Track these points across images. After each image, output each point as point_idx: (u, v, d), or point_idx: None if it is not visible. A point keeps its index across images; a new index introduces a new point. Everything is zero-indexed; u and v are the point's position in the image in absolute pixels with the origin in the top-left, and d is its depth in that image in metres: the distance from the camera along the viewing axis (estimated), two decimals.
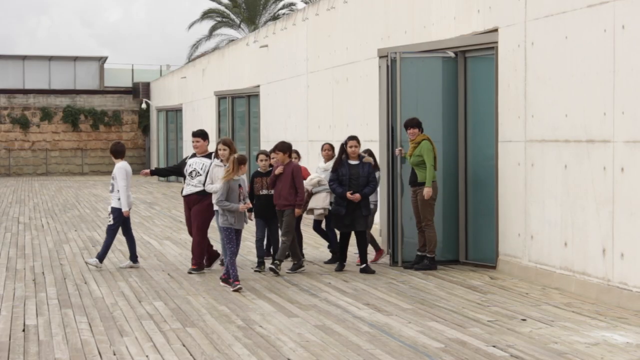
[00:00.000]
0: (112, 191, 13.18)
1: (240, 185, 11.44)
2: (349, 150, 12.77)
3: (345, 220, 12.57)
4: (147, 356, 8.00)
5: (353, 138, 12.88)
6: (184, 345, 8.37)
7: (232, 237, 11.42)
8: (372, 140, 17.00)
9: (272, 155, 12.90)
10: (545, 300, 10.52)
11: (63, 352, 8.16)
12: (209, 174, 12.45)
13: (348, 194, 12.43)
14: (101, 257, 13.22)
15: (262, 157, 13.07)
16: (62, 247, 16.15)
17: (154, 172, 14.10)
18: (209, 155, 12.78)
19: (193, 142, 12.97)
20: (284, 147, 12.79)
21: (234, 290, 11.16)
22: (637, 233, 9.88)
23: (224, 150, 12.29)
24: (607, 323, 9.20)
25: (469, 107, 13.53)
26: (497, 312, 9.81)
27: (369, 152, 13.42)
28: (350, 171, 12.63)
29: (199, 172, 12.65)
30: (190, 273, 12.67)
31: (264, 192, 12.84)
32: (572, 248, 11.06)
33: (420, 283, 11.79)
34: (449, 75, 13.64)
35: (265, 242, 13.19)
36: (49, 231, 18.88)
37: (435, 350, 8.09)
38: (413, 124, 12.90)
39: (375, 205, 13.15)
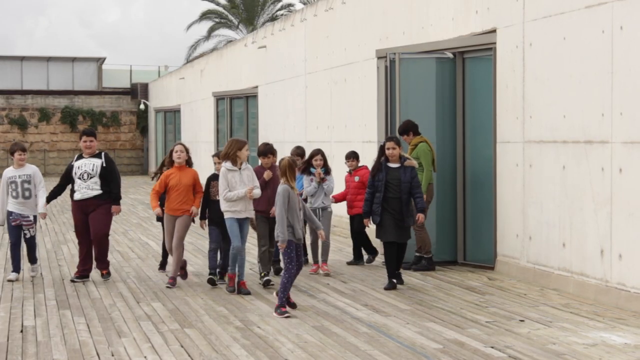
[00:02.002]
0: (29, 197, 12.26)
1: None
2: (387, 152, 11.40)
3: (388, 230, 11.28)
4: (145, 357, 8.00)
5: (391, 139, 11.55)
6: (182, 346, 8.36)
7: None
8: (371, 141, 17.02)
9: (261, 159, 11.82)
10: (544, 301, 10.52)
11: (61, 353, 8.15)
12: (222, 180, 11.07)
13: (366, 222, 11.62)
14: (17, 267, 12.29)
15: (216, 158, 11.97)
16: (61, 248, 16.14)
17: (49, 200, 12.30)
18: (98, 155, 12.06)
19: (86, 142, 12.05)
20: (273, 150, 11.96)
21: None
22: (635, 234, 9.88)
23: (247, 151, 11.18)
24: (605, 324, 9.20)
25: (467, 108, 13.53)
26: (496, 313, 9.81)
27: (354, 154, 13.70)
28: (389, 175, 11.31)
29: (90, 174, 11.90)
30: (74, 281, 12.06)
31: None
32: (570, 249, 11.07)
33: (419, 284, 11.79)
34: (447, 76, 13.64)
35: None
36: (47, 232, 18.86)
37: (433, 351, 8.09)
38: (402, 131, 12.92)
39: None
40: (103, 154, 12.12)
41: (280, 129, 23.54)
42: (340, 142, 19.16)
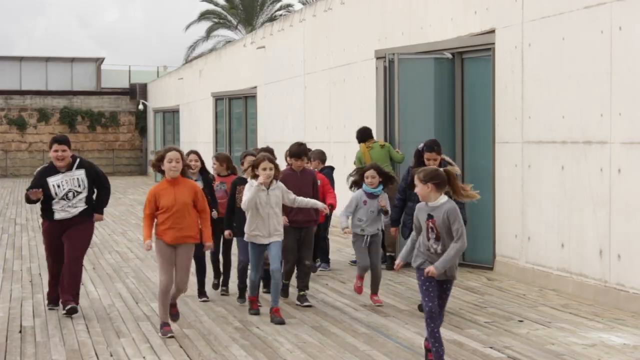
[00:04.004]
0: None
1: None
2: (426, 162, 10.09)
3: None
4: (144, 357, 8.00)
5: (432, 149, 10.13)
6: (181, 347, 8.36)
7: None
8: None
9: (293, 161, 10.43)
10: (543, 301, 10.52)
11: (60, 353, 8.15)
12: (248, 195, 9.41)
13: (393, 231, 10.39)
14: None
15: (249, 159, 10.35)
16: None
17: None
18: (75, 165, 9.87)
19: (57, 151, 9.72)
20: (307, 151, 10.65)
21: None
22: (634, 234, 9.88)
23: (271, 169, 9.42)
24: (604, 324, 9.20)
25: (466, 109, 13.54)
26: (494, 314, 9.81)
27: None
28: None
29: (78, 191, 9.82)
30: (68, 314, 9.76)
31: None
32: (569, 249, 11.07)
33: (418, 284, 11.77)
34: (446, 77, 13.65)
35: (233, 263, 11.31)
36: None
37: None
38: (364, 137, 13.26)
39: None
40: (78, 160, 9.89)
41: (279, 130, 23.54)
42: (339, 142, 19.17)
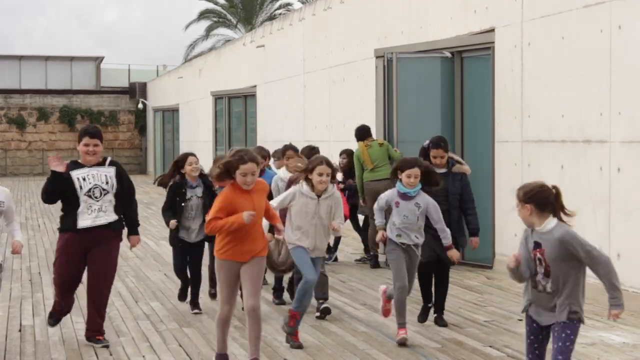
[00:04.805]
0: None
1: None
2: (432, 160, 9.30)
3: (425, 251, 8.81)
4: (143, 356, 7.99)
5: (438, 145, 9.32)
6: (180, 346, 8.36)
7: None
8: None
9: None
10: None
11: (59, 352, 8.15)
12: (285, 198, 8.30)
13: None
14: None
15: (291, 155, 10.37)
16: None
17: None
18: (105, 164, 8.30)
19: (88, 145, 8.19)
20: (312, 155, 9.88)
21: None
22: (634, 233, 9.88)
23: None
24: (603, 323, 9.20)
25: (465, 108, 13.54)
26: (494, 312, 9.81)
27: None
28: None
29: (104, 190, 8.13)
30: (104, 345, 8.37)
31: None
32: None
33: (417, 283, 11.77)
34: (446, 76, 13.65)
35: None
36: (46, 231, 18.85)
37: (431, 351, 8.09)
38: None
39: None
40: (109, 159, 8.36)
41: (279, 129, 23.53)
42: (338, 141, 19.16)
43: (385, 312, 8.85)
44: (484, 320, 9.42)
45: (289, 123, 22.87)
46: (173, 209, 9.73)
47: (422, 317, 9.33)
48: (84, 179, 8.05)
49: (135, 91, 48.76)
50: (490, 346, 8.22)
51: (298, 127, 22.10)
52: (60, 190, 8.07)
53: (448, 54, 13.65)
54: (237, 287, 7.28)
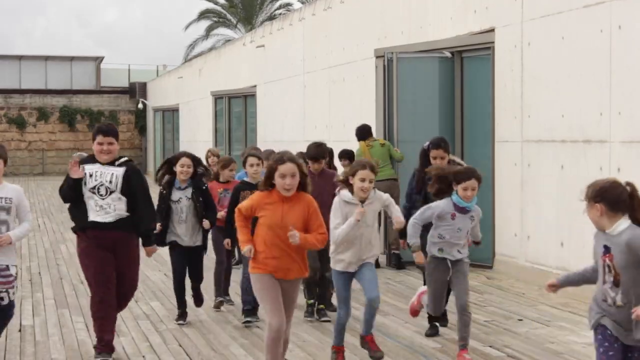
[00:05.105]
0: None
1: None
2: (432, 161, 8.89)
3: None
4: (143, 356, 7.99)
5: (438, 145, 8.92)
6: (180, 346, 8.36)
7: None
8: None
9: (311, 163, 9.40)
10: (542, 300, 10.52)
11: (59, 352, 8.15)
12: (337, 214, 7.37)
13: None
14: None
15: (252, 160, 9.51)
16: (59, 247, 16.13)
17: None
18: (119, 164, 7.81)
19: (102, 143, 7.72)
20: (325, 152, 9.53)
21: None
22: None
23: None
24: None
25: (465, 107, 13.54)
26: (494, 312, 9.81)
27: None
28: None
29: (109, 189, 7.66)
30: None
31: None
32: (568, 248, 11.07)
33: (417, 283, 11.78)
34: (446, 76, 13.65)
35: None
36: (46, 231, 18.85)
37: (431, 351, 8.09)
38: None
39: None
40: (123, 159, 7.88)
41: (279, 128, 23.53)
42: (338, 141, 19.15)
43: (414, 313, 8.52)
44: (484, 320, 9.42)
45: (289, 123, 22.86)
46: (159, 210, 9.14)
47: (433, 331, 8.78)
48: (91, 175, 7.67)
49: (135, 91, 48.76)
50: (490, 346, 8.22)
51: (298, 127, 22.10)
52: (76, 194, 7.72)
53: (448, 54, 13.65)
54: (280, 297, 6.56)
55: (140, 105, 48.20)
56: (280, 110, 23.63)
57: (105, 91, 49.94)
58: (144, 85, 48.77)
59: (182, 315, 9.46)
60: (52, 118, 48.23)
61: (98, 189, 7.63)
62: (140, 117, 48.96)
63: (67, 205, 7.89)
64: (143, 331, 8.99)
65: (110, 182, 7.65)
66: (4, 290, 7.03)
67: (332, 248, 7.44)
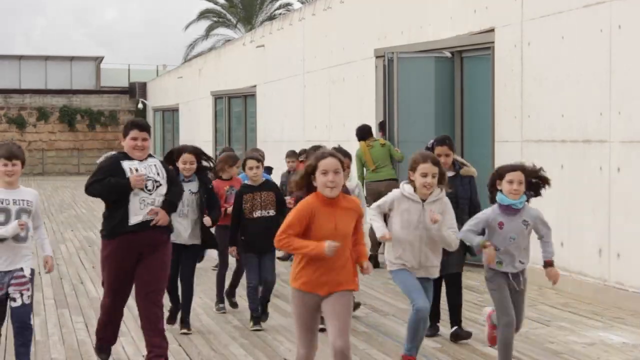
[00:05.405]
0: (25, 238, 7.09)
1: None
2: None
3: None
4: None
5: (443, 142, 8.37)
6: (180, 346, 8.36)
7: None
8: None
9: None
10: (542, 300, 10.52)
11: (59, 352, 8.15)
12: (383, 204, 6.96)
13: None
14: None
15: (251, 163, 9.09)
16: (59, 247, 16.13)
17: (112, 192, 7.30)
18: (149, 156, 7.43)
19: (137, 139, 7.26)
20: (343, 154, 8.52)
21: None
22: (633, 233, 9.88)
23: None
24: (603, 323, 9.20)
25: (465, 107, 13.54)
26: None
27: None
28: None
29: (157, 182, 7.24)
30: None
31: (260, 213, 8.89)
32: (568, 248, 11.07)
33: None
34: (446, 75, 13.65)
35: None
36: (46, 231, 18.83)
37: (432, 351, 8.09)
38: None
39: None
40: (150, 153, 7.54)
41: (279, 128, 23.53)
42: (338, 141, 19.15)
43: (492, 340, 7.47)
44: (484, 320, 9.41)
45: (288, 123, 22.87)
46: None
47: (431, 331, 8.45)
48: (136, 170, 7.16)
49: (135, 91, 48.78)
50: (491, 346, 8.22)
51: (298, 127, 22.10)
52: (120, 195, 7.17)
53: (448, 54, 13.65)
54: (316, 325, 5.89)
55: (140, 105, 48.22)
56: (280, 110, 23.64)
57: (105, 91, 49.96)
58: (144, 85, 48.79)
59: (171, 317, 9.17)
60: (52, 118, 48.24)
61: (146, 183, 7.15)
62: (140, 117, 48.97)
63: (103, 210, 7.34)
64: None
65: (158, 173, 7.26)
66: (17, 291, 6.87)
67: (390, 252, 6.85)
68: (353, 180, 7.27)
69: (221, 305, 10.01)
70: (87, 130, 48.83)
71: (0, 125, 47.56)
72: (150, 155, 7.38)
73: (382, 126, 14.02)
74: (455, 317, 8.43)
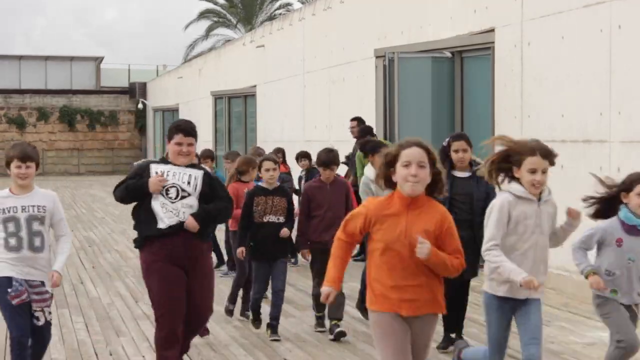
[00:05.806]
0: (41, 248, 6.55)
1: None
2: (454, 156, 7.84)
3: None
4: (143, 356, 7.99)
5: (460, 137, 8.10)
6: None
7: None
8: None
9: (322, 170, 8.73)
10: (542, 300, 10.51)
11: (59, 352, 8.15)
12: (499, 219, 5.63)
13: None
14: None
15: (268, 164, 8.59)
16: None
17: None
18: (196, 167, 6.91)
19: (181, 144, 6.74)
20: (337, 159, 8.76)
21: None
22: None
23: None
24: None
25: (465, 107, 13.54)
26: None
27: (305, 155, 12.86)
28: (455, 189, 7.61)
29: (184, 191, 6.62)
30: None
31: (270, 218, 8.52)
32: (568, 248, 11.05)
33: None
34: (446, 75, 13.65)
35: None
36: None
37: (432, 351, 8.08)
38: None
39: None
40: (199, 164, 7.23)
41: (279, 128, 23.54)
42: (338, 141, 19.16)
43: None
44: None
45: (288, 123, 22.87)
46: None
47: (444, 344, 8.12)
48: (163, 175, 6.65)
49: (135, 91, 48.78)
50: None
51: (298, 127, 22.11)
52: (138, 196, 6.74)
53: (448, 54, 13.65)
54: (408, 343, 4.84)
55: (140, 105, 48.21)
56: (280, 110, 23.64)
57: (105, 91, 49.95)
58: (143, 85, 48.79)
59: None
60: (52, 118, 48.24)
61: (168, 189, 6.60)
62: (140, 117, 48.96)
63: (133, 217, 6.86)
64: (143, 331, 8.98)
65: (188, 183, 6.64)
66: (40, 309, 6.41)
67: (489, 269, 5.66)
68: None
69: (231, 307, 9.60)
70: (87, 131, 48.82)
71: (0, 125, 47.56)
72: (195, 165, 6.90)
73: (348, 159, 13.91)
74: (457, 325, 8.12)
